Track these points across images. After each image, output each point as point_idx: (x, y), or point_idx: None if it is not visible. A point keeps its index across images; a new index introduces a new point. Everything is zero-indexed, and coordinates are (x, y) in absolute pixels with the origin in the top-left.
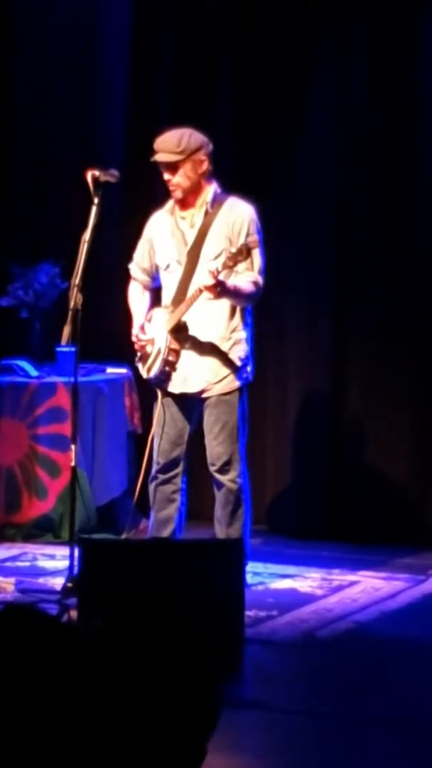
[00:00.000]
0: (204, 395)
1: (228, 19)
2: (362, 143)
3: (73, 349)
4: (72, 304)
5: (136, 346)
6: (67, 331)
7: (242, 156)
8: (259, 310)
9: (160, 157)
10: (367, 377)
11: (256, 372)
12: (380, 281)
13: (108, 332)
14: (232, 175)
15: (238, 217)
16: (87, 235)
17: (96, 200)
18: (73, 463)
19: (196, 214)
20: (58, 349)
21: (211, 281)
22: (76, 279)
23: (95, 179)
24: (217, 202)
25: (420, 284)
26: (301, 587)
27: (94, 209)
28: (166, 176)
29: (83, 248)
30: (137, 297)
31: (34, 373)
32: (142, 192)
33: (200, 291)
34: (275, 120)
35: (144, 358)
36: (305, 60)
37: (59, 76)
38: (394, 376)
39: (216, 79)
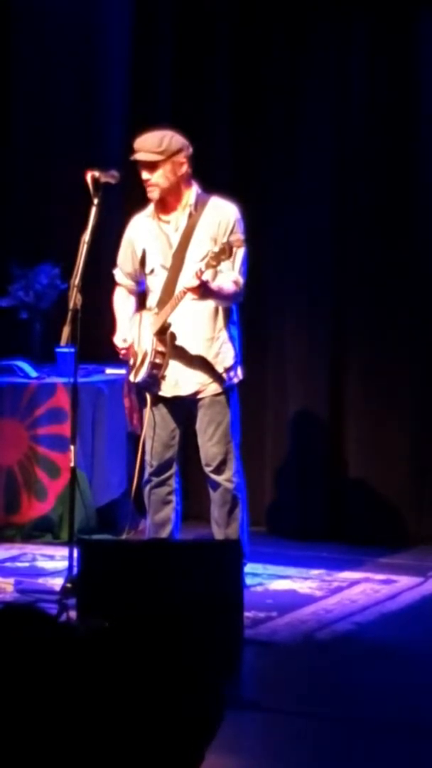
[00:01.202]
0: (197, 397)
1: (227, 19)
2: (361, 143)
3: (72, 349)
4: (71, 304)
5: (120, 354)
6: (66, 331)
7: (241, 156)
8: (258, 310)
9: (140, 156)
10: (367, 378)
11: (255, 373)
12: (380, 282)
13: (107, 333)
14: (231, 175)
15: (224, 217)
16: (87, 236)
17: (96, 201)
18: (72, 464)
19: (179, 217)
20: (58, 349)
21: (195, 282)
22: (76, 280)
23: (95, 180)
24: (200, 204)
25: (420, 285)
26: (301, 588)
27: (93, 210)
28: (145, 175)
29: (83, 249)
30: (122, 302)
31: (33, 373)
32: (142, 193)
33: (184, 292)
34: (274, 120)
35: (130, 363)
36: (304, 60)
37: (59, 76)
38: (394, 377)
39: (215, 79)
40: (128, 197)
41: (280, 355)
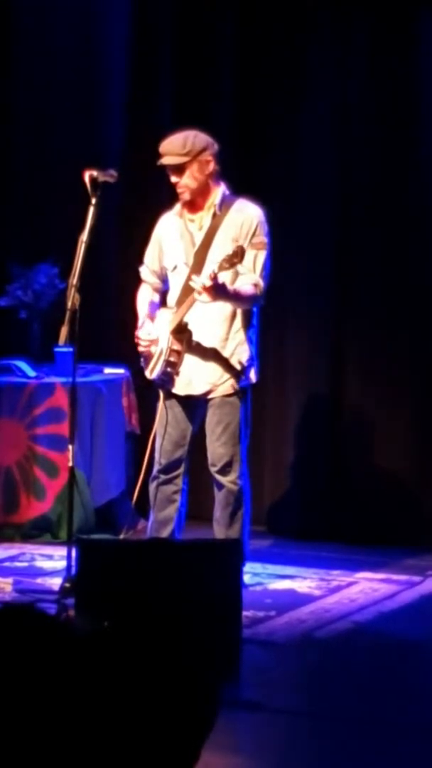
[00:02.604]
0: (208, 396)
1: (228, 19)
2: (363, 142)
3: (71, 349)
4: (70, 304)
5: (139, 348)
6: (65, 331)
7: (243, 156)
8: (258, 310)
9: (166, 161)
10: (367, 378)
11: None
12: (380, 281)
13: (106, 333)
14: (232, 175)
15: (246, 218)
16: (85, 236)
17: (94, 201)
18: (71, 464)
19: (204, 216)
20: (57, 349)
21: (208, 283)
22: (74, 279)
23: (93, 179)
24: (225, 205)
25: (420, 285)
26: (300, 588)
27: (92, 209)
28: (173, 179)
29: (81, 249)
30: (145, 299)
31: (32, 373)
32: (141, 192)
33: (199, 292)
34: (276, 120)
35: (148, 359)
36: (306, 59)
37: (59, 75)
38: (394, 377)
39: (216, 78)
40: (127, 197)
41: (280, 354)
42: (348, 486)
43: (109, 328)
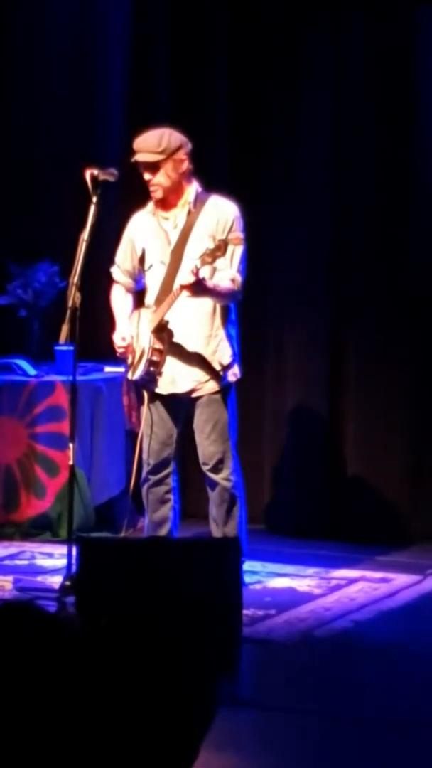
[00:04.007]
0: (194, 395)
1: (224, 18)
2: (360, 142)
3: (71, 347)
4: (70, 303)
5: (117, 352)
6: (65, 329)
7: (239, 154)
8: (257, 310)
9: (140, 157)
10: (365, 377)
11: (254, 372)
12: (379, 282)
13: (106, 331)
14: (229, 174)
15: (222, 214)
16: (85, 234)
17: (94, 199)
18: (71, 462)
19: (178, 214)
20: (57, 347)
21: (191, 278)
22: (75, 278)
23: (94, 178)
24: (199, 201)
25: (419, 285)
26: (299, 586)
27: (92, 208)
28: (147, 176)
29: (81, 247)
30: (120, 300)
31: (32, 371)
32: (141, 191)
33: (180, 289)
34: (272, 119)
35: (127, 360)
36: (302, 58)
37: (57, 74)
38: (392, 376)
39: (213, 77)
40: (127, 195)
41: (278, 353)
42: (347, 484)
43: (110, 326)
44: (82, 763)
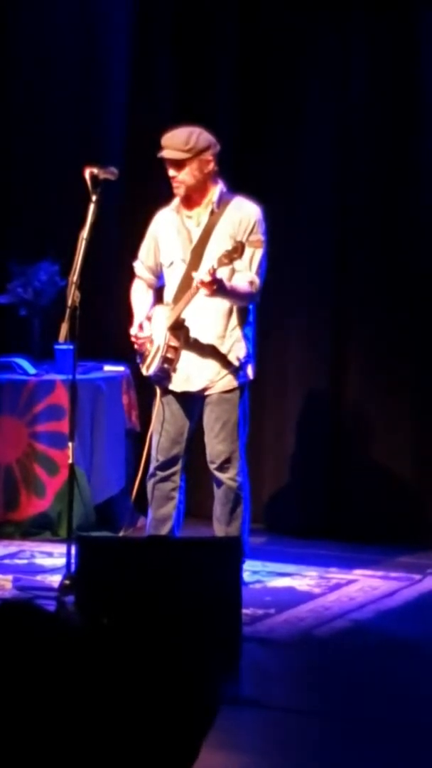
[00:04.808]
0: (206, 393)
1: (228, 18)
2: (363, 143)
3: (71, 346)
4: (70, 301)
5: (135, 345)
6: (65, 328)
7: (242, 155)
8: (259, 308)
9: (167, 154)
10: (367, 376)
11: (256, 370)
12: (381, 278)
13: (106, 330)
14: (231, 174)
15: (245, 216)
16: (85, 233)
17: (94, 198)
18: (71, 461)
19: (202, 213)
20: (57, 346)
21: (207, 278)
22: (74, 277)
23: (94, 177)
24: (223, 202)
25: (420, 284)
26: (299, 585)
27: (92, 207)
28: (171, 173)
29: (81, 246)
30: (140, 295)
31: (32, 370)
32: (141, 190)
33: (197, 288)
34: (275, 118)
35: (143, 355)
36: (305, 59)
37: (58, 73)
38: (394, 375)
39: (216, 77)
40: (127, 194)
41: (280, 352)
42: (347, 483)
43: (110, 325)
44: (83, 763)
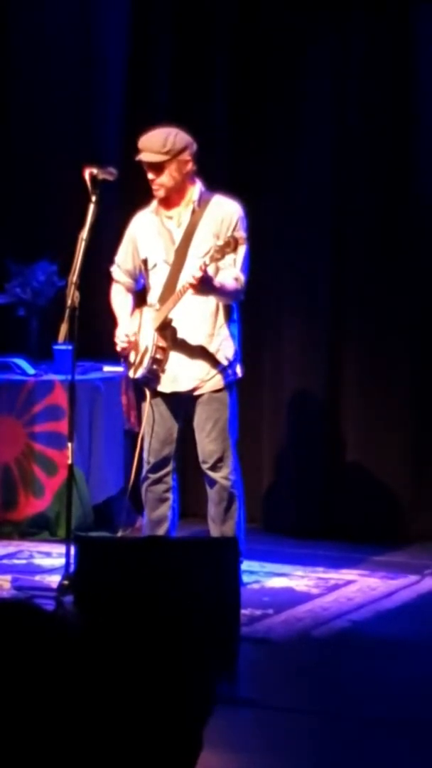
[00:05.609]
0: (195, 393)
1: (225, 17)
2: (360, 141)
3: (70, 347)
4: (69, 302)
5: (119, 350)
6: (64, 329)
7: (239, 153)
8: (255, 308)
9: (144, 157)
10: (364, 377)
11: (252, 370)
12: (378, 279)
13: (105, 330)
14: (229, 172)
15: (227, 213)
16: (84, 233)
17: (94, 198)
18: (69, 461)
19: (182, 213)
20: (56, 347)
21: (198, 275)
22: (74, 277)
23: (93, 177)
24: (203, 201)
25: (419, 282)
26: (297, 586)
27: (91, 207)
28: (150, 176)
29: (80, 246)
30: (120, 299)
31: (31, 371)
32: (140, 190)
33: (187, 287)
34: (273, 118)
35: (128, 359)
36: (302, 58)
37: (57, 74)
38: (391, 376)
39: (213, 76)
40: (126, 194)
41: (277, 351)
42: (345, 484)
43: (109, 325)
44: (81, 764)
